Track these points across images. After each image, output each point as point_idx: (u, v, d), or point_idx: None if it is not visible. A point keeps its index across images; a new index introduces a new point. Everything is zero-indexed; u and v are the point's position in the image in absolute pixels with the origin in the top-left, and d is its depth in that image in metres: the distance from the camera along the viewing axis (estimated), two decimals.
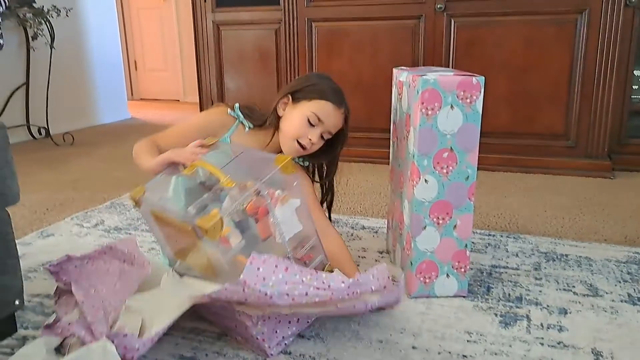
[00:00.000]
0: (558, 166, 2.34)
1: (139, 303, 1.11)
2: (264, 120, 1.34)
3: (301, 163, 1.40)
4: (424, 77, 1.14)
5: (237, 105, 1.36)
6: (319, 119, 1.27)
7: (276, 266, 0.95)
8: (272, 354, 1.02)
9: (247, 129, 1.34)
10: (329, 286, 0.95)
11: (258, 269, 0.93)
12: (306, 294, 0.94)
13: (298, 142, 1.28)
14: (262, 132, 1.34)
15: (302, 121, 1.27)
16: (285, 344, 1.05)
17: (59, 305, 1.13)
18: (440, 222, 1.21)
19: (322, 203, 1.45)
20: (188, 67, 5.20)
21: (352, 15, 2.52)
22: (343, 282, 0.96)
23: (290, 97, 1.31)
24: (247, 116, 1.35)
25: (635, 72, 2.34)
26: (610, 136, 2.32)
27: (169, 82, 5.44)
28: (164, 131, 1.33)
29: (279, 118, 1.33)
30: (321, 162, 1.41)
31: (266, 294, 0.91)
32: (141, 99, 5.57)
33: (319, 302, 0.95)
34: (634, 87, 2.35)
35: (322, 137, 1.30)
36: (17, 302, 1.09)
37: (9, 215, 1.08)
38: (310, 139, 1.27)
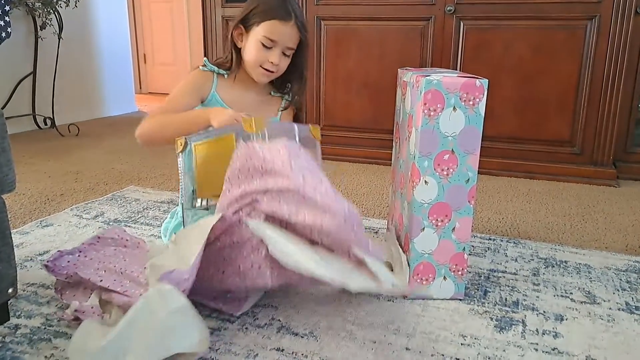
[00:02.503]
0: (563, 173, 2.32)
1: (160, 259, 1.12)
2: (230, 60, 1.39)
3: (288, 99, 1.45)
4: (428, 77, 1.13)
5: (205, 59, 1.42)
6: (271, 40, 1.29)
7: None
8: (271, 284, 1.03)
9: (225, 76, 1.40)
10: (334, 196, 1.00)
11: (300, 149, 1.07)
12: (321, 181, 1.01)
13: (262, 67, 1.33)
14: (242, 72, 1.39)
15: (257, 47, 1.31)
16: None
17: (67, 299, 1.15)
18: (439, 224, 1.20)
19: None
20: (197, 62, 5.19)
21: (362, 14, 2.51)
22: (349, 209, 1.00)
23: (242, 27, 1.34)
24: (219, 65, 1.41)
25: None
26: (616, 144, 2.30)
27: (177, 77, 5.44)
28: (164, 105, 1.37)
29: (239, 51, 1.37)
30: (294, 79, 1.42)
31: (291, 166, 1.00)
32: (150, 92, 5.59)
33: (317, 210, 0.98)
34: None
35: (284, 54, 1.33)
36: (10, 291, 1.08)
37: (4, 202, 1.07)
38: (272, 62, 1.31)
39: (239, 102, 1.40)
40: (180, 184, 1.31)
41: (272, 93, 1.45)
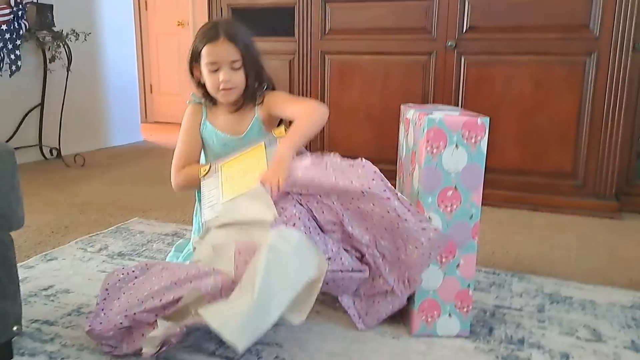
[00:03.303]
0: (565, 205, 2.32)
1: (219, 241, 1.17)
2: (202, 98, 1.50)
3: (260, 94, 1.48)
4: (430, 116, 1.15)
5: (192, 94, 1.53)
6: (213, 63, 1.38)
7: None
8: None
9: (209, 105, 1.51)
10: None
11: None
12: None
13: (221, 89, 1.40)
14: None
15: (207, 74, 1.40)
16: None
17: (130, 346, 1.10)
18: (444, 260, 1.21)
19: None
20: None
21: (365, 49, 2.55)
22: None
23: (195, 64, 1.44)
24: (204, 96, 1.50)
25: None
26: (618, 177, 2.30)
27: (183, 106, 5.48)
28: (176, 155, 1.50)
29: (204, 85, 1.45)
30: (256, 78, 1.46)
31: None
32: (155, 121, 5.64)
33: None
34: None
35: (233, 69, 1.39)
36: (15, 328, 1.09)
37: (12, 239, 1.08)
38: (222, 80, 1.38)
39: (226, 123, 1.49)
40: (202, 208, 1.34)
41: (244, 101, 1.48)
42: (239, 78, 1.41)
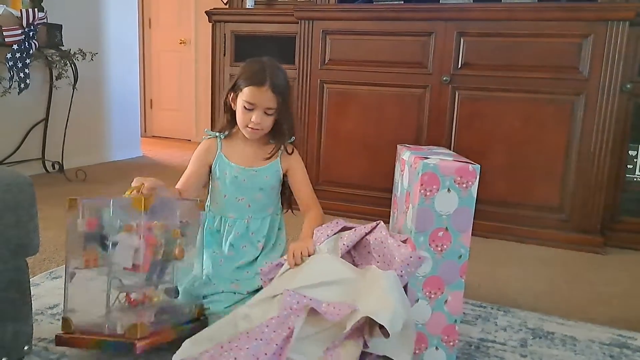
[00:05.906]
0: (551, 238, 2.41)
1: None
2: (225, 123, 1.58)
3: (289, 141, 1.59)
4: (425, 161, 1.23)
5: (206, 130, 1.62)
6: (251, 103, 1.47)
7: None
8: None
9: (223, 136, 1.59)
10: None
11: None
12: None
13: (248, 127, 1.50)
14: (239, 129, 1.56)
15: (241, 110, 1.50)
16: None
17: None
18: (432, 296, 1.28)
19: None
20: (202, 109, 5.35)
21: (362, 80, 2.65)
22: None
23: (233, 93, 1.52)
24: (221, 130, 1.59)
25: (630, 152, 2.43)
26: (604, 212, 2.39)
27: (181, 122, 5.59)
28: (182, 176, 1.59)
29: (234, 112, 1.54)
30: (286, 127, 1.57)
31: None
32: (153, 136, 5.72)
33: None
34: (628, 166, 2.44)
35: (266, 113, 1.49)
36: (25, 348, 1.16)
37: (27, 265, 1.15)
38: (253, 121, 1.48)
39: (240, 156, 1.59)
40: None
41: (270, 141, 1.60)
42: (268, 122, 1.52)
